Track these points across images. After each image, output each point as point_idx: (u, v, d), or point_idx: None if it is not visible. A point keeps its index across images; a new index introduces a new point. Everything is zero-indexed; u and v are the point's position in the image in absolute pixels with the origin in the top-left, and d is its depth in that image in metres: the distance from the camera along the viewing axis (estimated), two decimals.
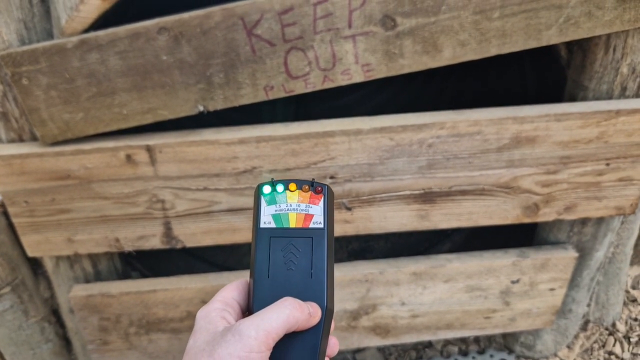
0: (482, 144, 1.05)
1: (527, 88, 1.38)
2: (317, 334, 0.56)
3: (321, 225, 0.59)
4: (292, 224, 0.59)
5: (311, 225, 0.59)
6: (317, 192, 0.60)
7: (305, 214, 0.59)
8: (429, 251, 1.51)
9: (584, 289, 1.39)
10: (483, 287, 1.27)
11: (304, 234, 0.59)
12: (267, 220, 0.59)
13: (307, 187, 0.60)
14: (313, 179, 0.62)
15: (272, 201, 0.60)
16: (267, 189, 0.60)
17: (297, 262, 0.58)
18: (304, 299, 0.56)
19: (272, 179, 0.61)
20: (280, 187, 0.60)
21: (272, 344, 0.51)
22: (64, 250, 1.15)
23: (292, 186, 0.60)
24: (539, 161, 1.08)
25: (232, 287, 0.59)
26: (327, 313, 0.57)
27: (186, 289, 1.20)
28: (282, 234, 0.59)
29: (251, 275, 0.58)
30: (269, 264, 0.58)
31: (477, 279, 1.25)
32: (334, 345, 0.61)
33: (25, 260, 1.29)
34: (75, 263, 1.22)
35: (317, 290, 0.57)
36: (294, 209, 0.60)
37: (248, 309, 0.58)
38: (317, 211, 0.60)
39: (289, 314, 0.52)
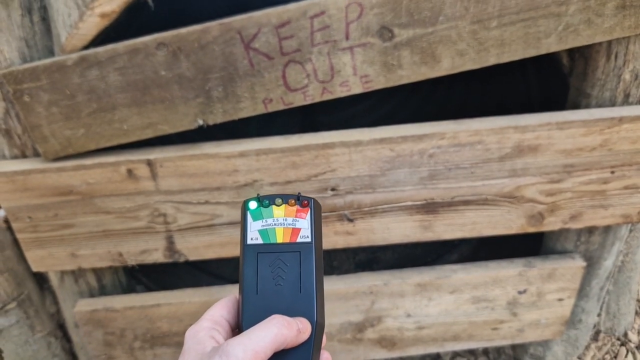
0: (483, 153, 1.04)
1: (530, 97, 1.37)
2: (307, 350, 0.55)
3: (309, 239, 0.59)
4: (280, 239, 0.59)
5: (299, 240, 0.59)
6: (303, 206, 0.60)
7: (293, 229, 0.59)
8: (436, 262, 1.49)
9: (594, 299, 1.37)
10: (489, 297, 1.25)
11: (292, 248, 0.58)
12: (254, 236, 0.59)
13: (293, 201, 0.60)
14: (299, 193, 0.62)
15: (258, 216, 0.60)
16: (253, 205, 0.60)
17: (286, 277, 0.57)
18: (293, 314, 0.55)
19: (258, 194, 0.61)
20: (266, 202, 0.60)
21: None
22: (68, 265, 1.15)
23: (278, 201, 0.60)
24: (542, 170, 1.07)
25: (221, 304, 0.58)
26: (318, 327, 0.56)
27: (190, 302, 1.20)
28: (269, 249, 0.58)
29: (240, 292, 0.58)
30: (257, 279, 0.57)
31: (483, 289, 1.24)
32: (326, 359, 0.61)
33: (30, 275, 1.30)
34: (80, 277, 1.22)
35: (307, 305, 0.57)
36: (281, 223, 0.59)
37: (237, 326, 0.57)
38: (304, 225, 0.59)
39: (277, 332, 0.51)
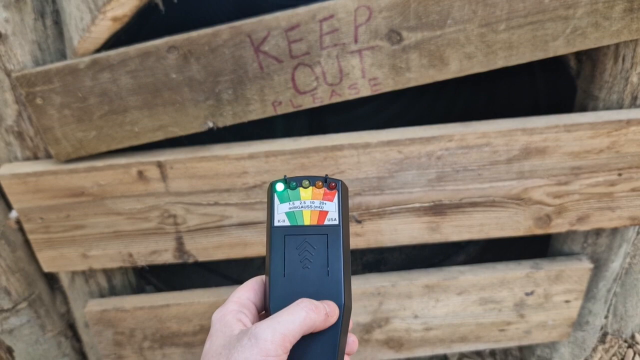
0: (491, 155, 1.05)
1: (537, 99, 1.38)
2: (335, 333, 0.55)
3: (336, 222, 0.58)
4: (307, 222, 0.58)
5: (326, 222, 0.58)
6: (330, 188, 0.59)
7: (320, 211, 0.59)
8: (443, 263, 1.50)
9: (601, 301, 1.37)
10: (497, 299, 1.26)
11: (319, 231, 0.58)
12: (281, 219, 0.59)
13: (320, 183, 0.59)
14: (326, 175, 0.61)
15: (285, 199, 0.59)
16: (280, 187, 0.60)
17: (313, 260, 0.57)
18: (320, 297, 0.55)
19: (285, 176, 0.60)
20: (293, 184, 0.59)
21: (289, 347, 0.50)
22: (79, 266, 1.16)
23: (306, 183, 0.59)
24: (550, 172, 1.07)
25: (247, 287, 0.58)
26: (345, 310, 0.56)
27: (199, 303, 1.21)
28: (296, 231, 0.58)
29: (266, 274, 0.58)
30: (284, 262, 0.57)
31: (490, 291, 1.24)
32: (352, 343, 0.61)
33: (41, 275, 1.31)
34: (91, 278, 1.23)
35: (334, 288, 0.56)
36: (308, 206, 0.59)
37: (264, 309, 0.57)
38: (332, 207, 0.59)
39: (305, 316, 0.51)
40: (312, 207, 0.59)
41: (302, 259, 0.57)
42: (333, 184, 0.59)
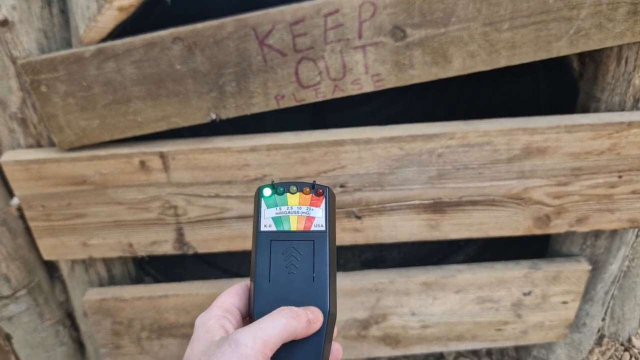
0: (492, 154, 1.05)
1: (540, 100, 1.38)
2: (319, 340, 0.55)
3: (323, 228, 0.58)
4: (293, 227, 0.58)
5: (313, 228, 0.58)
6: (318, 195, 0.60)
7: (307, 217, 0.59)
8: (442, 262, 1.50)
9: (599, 303, 1.37)
10: (494, 298, 1.26)
11: (306, 237, 0.58)
12: (267, 223, 0.59)
13: (308, 189, 0.60)
14: (314, 181, 0.61)
15: (272, 204, 0.59)
16: (267, 192, 0.60)
17: (299, 266, 0.57)
18: (306, 303, 0.55)
19: (273, 181, 0.61)
20: (280, 190, 0.60)
21: (269, 354, 0.50)
22: (79, 254, 1.17)
23: (293, 188, 0.60)
24: (550, 172, 1.08)
25: (231, 292, 0.58)
26: (330, 317, 0.56)
27: (197, 295, 1.21)
28: (283, 237, 0.58)
29: (252, 279, 0.58)
30: (270, 267, 0.57)
31: (488, 290, 1.24)
32: (337, 351, 0.60)
33: (41, 263, 1.32)
34: (90, 267, 1.24)
35: (320, 294, 0.56)
36: (295, 211, 0.59)
37: (248, 314, 0.57)
38: (319, 214, 0.59)
39: (285, 322, 0.51)
40: (299, 212, 0.59)
41: (287, 264, 0.57)
42: (320, 191, 0.60)
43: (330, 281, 0.57)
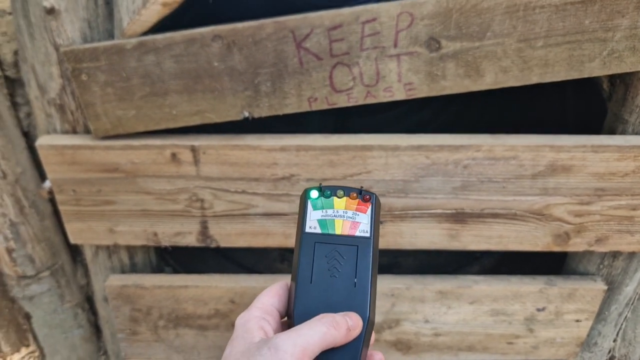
0: (517, 169, 1.06)
1: (566, 118, 1.39)
2: (357, 346, 0.55)
3: (367, 235, 0.59)
4: (338, 231, 0.59)
5: (357, 234, 0.59)
6: (365, 201, 0.60)
7: (352, 222, 0.59)
8: (457, 273, 1.51)
9: (611, 324, 1.37)
10: (508, 312, 1.27)
11: (350, 241, 0.58)
12: (312, 225, 0.59)
13: (355, 194, 0.60)
14: (361, 186, 0.62)
15: (318, 206, 0.60)
16: (314, 194, 0.60)
17: (341, 270, 0.57)
18: (346, 307, 0.56)
19: (320, 184, 0.61)
20: (327, 193, 0.60)
21: None
22: (105, 240, 1.20)
23: (340, 192, 0.60)
24: (573, 191, 1.09)
25: (271, 292, 0.59)
26: (369, 324, 0.56)
27: (216, 287, 1.23)
28: (327, 240, 0.58)
29: (293, 279, 0.58)
30: (312, 269, 0.57)
31: (502, 303, 1.25)
32: (378, 358, 0.60)
33: (66, 246, 1.35)
34: (114, 254, 1.27)
35: (360, 300, 0.56)
36: (341, 215, 0.59)
37: (287, 314, 0.58)
38: (364, 219, 0.59)
39: (325, 331, 0.52)
40: (344, 217, 0.59)
41: (330, 267, 0.58)
42: (367, 197, 0.60)
43: (372, 288, 0.58)
